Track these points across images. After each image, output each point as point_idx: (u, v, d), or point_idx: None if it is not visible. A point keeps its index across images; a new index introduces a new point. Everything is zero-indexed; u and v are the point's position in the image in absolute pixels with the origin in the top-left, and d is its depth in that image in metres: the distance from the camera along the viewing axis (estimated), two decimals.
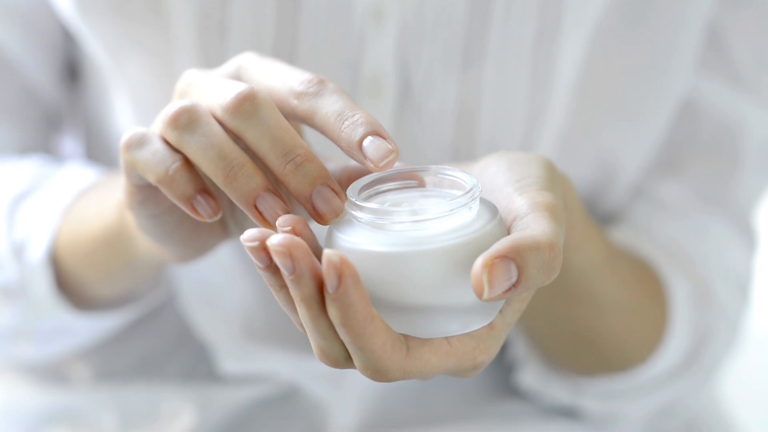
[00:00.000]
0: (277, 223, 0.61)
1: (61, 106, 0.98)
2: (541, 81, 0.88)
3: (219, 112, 0.65)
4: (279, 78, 0.66)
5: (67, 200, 0.89)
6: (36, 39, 0.95)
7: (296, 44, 0.87)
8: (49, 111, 0.98)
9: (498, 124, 0.88)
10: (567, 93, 0.88)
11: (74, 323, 0.92)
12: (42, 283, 0.89)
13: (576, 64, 0.88)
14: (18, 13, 0.93)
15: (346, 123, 0.63)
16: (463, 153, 0.88)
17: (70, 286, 0.90)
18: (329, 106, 0.64)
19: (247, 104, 0.64)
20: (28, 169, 0.93)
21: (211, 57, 0.87)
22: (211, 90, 0.65)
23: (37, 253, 0.88)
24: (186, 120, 0.64)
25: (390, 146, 0.63)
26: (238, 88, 0.64)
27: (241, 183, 0.63)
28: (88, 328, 0.93)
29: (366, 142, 0.63)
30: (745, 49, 0.92)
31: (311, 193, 0.63)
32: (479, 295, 0.58)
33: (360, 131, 0.63)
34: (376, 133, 0.63)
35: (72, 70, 0.98)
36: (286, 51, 0.86)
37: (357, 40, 0.86)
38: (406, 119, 0.88)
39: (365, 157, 0.63)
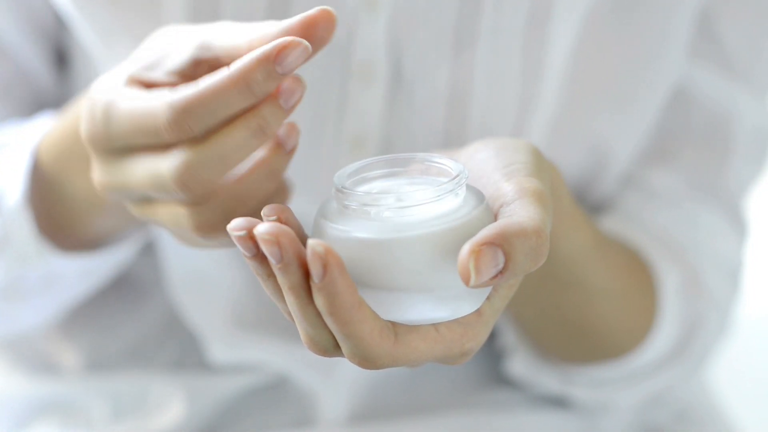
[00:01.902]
0: (262, 213, 0.61)
1: (52, 90, 0.98)
2: (532, 67, 0.88)
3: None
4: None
5: (36, 140, 0.88)
6: (28, 22, 0.94)
7: None
8: (40, 95, 0.98)
9: (489, 110, 0.88)
10: (558, 79, 0.88)
11: (62, 268, 0.90)
12: (24, 226, 0.88)
13: (567, 50, 0.88)
14: None
15: None
16: (455, 138, 0.88)
17: (55, 220, 0.88)
18: None
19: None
20: (1, 131, 0.92)
21: None
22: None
23: (13, 197, 0.87)
24: None
25: None
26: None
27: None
28: (77, 273, 0.92)
29: None
30: (736, 37, 0.92)
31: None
32: (466, 281, 0.58)
33: None
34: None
35: (62, 56, 0.98)
36: None
37: (349, 26, 0.86)
38: (398, 105, 0.88)
39: None
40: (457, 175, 0.62)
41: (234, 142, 0.65)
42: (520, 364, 0.95)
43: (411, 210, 0.61)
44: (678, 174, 0.94)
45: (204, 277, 0.95)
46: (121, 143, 0.68)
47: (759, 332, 1.53)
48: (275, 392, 0.98)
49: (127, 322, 0.99)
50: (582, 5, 0.87)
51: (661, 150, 0.95)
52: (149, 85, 0.69)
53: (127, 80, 0.69)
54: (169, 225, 0.70)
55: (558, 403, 0.97)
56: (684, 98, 0.94)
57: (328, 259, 0.58)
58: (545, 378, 0.95)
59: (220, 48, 0.68)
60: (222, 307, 0.96)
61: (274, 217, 0.61)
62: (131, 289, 0.99)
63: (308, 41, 0.65)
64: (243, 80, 0.64)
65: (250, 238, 0.60)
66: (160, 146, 0.67)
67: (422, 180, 0.64)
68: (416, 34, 0.87)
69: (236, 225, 0.60)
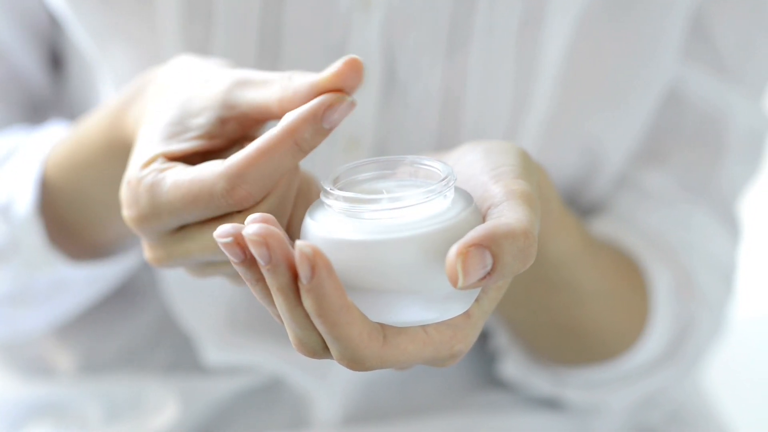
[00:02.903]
0: (246, 222, 0.61)
1: (48, 93, 0.98)
2: (526, 68, 0.88)
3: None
4: None
5: (47, 149, 0.87)
6: (23, 24, 0.95)
7: (281, 32, 0.87)
8: (35, 97, 0.98)
9: (483, 111, 0.88)
10: (552, 80, 0.89)
11: (70, 275, 0.90)
12: (33, 234, 0.87)
13: (561, 51, 0.88)
14: None
15: None
16: (448, 139, 0.89)
17: (64, 228, 0.88)
18: None
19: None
20: (8, 137, 0.92)
21: (196, 45, 0.87)
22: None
23: (23, 205, 0.87)
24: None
25: None
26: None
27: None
28: (84, 280, 0.92)
29: None
30: (729, 38, 0.92)
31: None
32: (454, 283, 0.58)
33: None
34: None
35: (56, 58, 0.98)
36: (271, 38, 0.87)
37: (343, 26, 0.87)
38: (392, 105, 0.88)
39: None
40: (446, 177, 0.62)
41: (292, 190, 0.66)
42: (513, 365, 0.95)
43: (400, 212, 0.61)
44: (671, 175, 0.94)
45: (198, 280, 0.95)
46: (174, 221, 0.67)
47: (752, 333, 1.53)
48: (269, 394, 0.98)
49: (121, 325, 0.99)
50: (575, 6, 0.87)
51: (654, 151, 0.95)
52: (181, 157, 0.68)
53: (162, 159, 0.68)
54: (229, 274, 0.71)
55: (550, 404, 0.97)
56: (677, 99, 0.94)
57: (316, 261, 0.58)
58: (537, 380, 0.95)
59: (248, 106, 0.68)
60: (216, 309, 0.96)
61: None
62: (126, 292, 0.99)
63: (339, 92, 0.65)
64: (292, 140, 0.64)
65: (237, 243, 0.60)
66: (217, 217, 0.66)
67: (411, 182, 0.64)
68: (410, 35, 0.87)
69: (222, 232, 0.60)
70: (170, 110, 0.69)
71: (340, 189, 0.63)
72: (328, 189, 0.62)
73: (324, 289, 0.58)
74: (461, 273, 0.58)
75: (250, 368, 0.97)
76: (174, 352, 0.99)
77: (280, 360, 0.96)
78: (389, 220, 0.61)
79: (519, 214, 0.61)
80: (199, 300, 0.96)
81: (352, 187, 0.64)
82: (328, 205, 0.62)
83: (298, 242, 0.58)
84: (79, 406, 0.98)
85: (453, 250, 0.58)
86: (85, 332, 1.00)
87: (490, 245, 0.59)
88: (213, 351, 0.96)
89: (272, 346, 0.96)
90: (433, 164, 0.64)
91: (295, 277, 0.59)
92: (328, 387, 0.96)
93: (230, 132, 0.68)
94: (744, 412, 1.30)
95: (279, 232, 0.59)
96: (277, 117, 0.66)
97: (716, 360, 1.12)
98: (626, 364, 0.92)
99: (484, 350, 0.98)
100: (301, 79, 0.66)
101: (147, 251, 0.70)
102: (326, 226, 0.61)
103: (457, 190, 0.63)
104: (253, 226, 0.59)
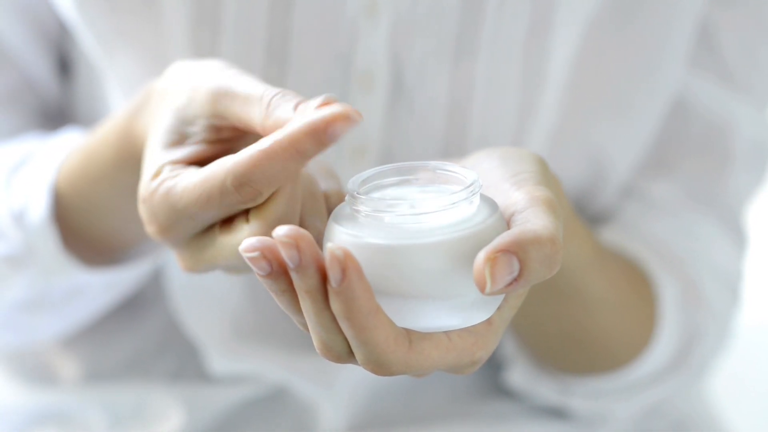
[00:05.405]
0: (274, 232, 0.61)
1: (59, 100, 0.98)
2: (532, 77, 0.88)
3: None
4: None
5: (61, 157, 0.87)
6: (34, 30, 0.94)
7: (289, 38, 0.87)
8: (47, 104, 0.98)
9: (489, 120, 0.89)
10: (558, 89, 0.89)
11: (86, 281, 0.90)
12: (48, 241, 0.87)
13: (567, 60, 0.88)
14: (18, 4, 0.93)
15: None
16: (454, 147, 0.89)
17: (78, 235, 0.88)
18: None
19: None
20: (23, 144, 0.91)
21: (203, 51, 0.87)
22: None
23: (37, 212, 0.87)
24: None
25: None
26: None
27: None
28: (100, 286, 0.91)
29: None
30: (735, 48, 0.93)
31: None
32: (481, 288, 0.58)
33: None
34: None
35: (64, 64, 0.98)
36: (278, 45, 0.87)
37: (349, 34, 0.87)
38: (398, 113, 0.89)
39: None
40: (472, 183, 0.62)
41: (298, 188, 0.66)
42: (519, 374, 0.95)
43: (426, 217, 0.61)
44: (677, 184, 0.95)
45: (203, 288, 0.95)
46: (194, 224, 0.67)
47: (757, 341, 1.53)
48: (274, 403, 0.98)
49: (126, 333, 0.99)
50: (582, 15, 0.88)
51: (660, 160, 0.95)
52: (187, 163, 0.68)
53: (169, 167, 0.68)
54: None
55: (556, 413, 0.97)
56: (683, 108, 0.94)
57: (347, 264, 0.58)
58: (544, 389, 0.95)
59: (235, 119, 0.67)
60: (221, 317, 0.96)
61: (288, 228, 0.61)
62: (131, 301, 0.99)
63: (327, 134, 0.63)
64: (294, 149, 0.63)
65: (264, 257, 0.60)
66: (232, 217, 0.66)
67: (435, 188, 0.64)
68: (417, 43, 0.87)
69: (248, 246, 0.60)
70: (166, 119, 0.69)
71: (366, 193, 0.63)
72: (354, 193, 0.62)
73: (354, 292, 0.58)
74: (489, 278, 0.58)
75: (255, 377, 0.97)
76: (179, 361, 0.99)
77: (285, 369, 0.96)
78: (415, 225, 0.61)
79: (544, 220, 0.61)
80: (204, 309, 0.95)
81: (377, 192, 0.64)
82: (355, 210, 0.62)
83: (328, 245, 0.58)
84: (83, 414, 0.97)
85: (481, 256, 0.58)
86: (89, 340, 0.99)
87: (518, 251, 0.59)
88: (218, 360, 0.96)
89: (277, 354, 0.96)
90: (458, 170, 0.64)
91: (323, 279, 0.59)
92: (333, 396, 0.96)
93: (227, 136, 0.68)
94: (748, 420, 1.30)
95: (309, 234, 0.59)
96: (262, 136, 0.65)
97: (721, 370, 1.12)
98: (633, 373, 0.92)
99: (490, 359, 0.98)
100: (281, 112, 0.65)
101: (178, 260, 0.70)
102: (352, 231, 0.61)
103: (482, 196, 0.63)
104: (283, 228, 0.59)
